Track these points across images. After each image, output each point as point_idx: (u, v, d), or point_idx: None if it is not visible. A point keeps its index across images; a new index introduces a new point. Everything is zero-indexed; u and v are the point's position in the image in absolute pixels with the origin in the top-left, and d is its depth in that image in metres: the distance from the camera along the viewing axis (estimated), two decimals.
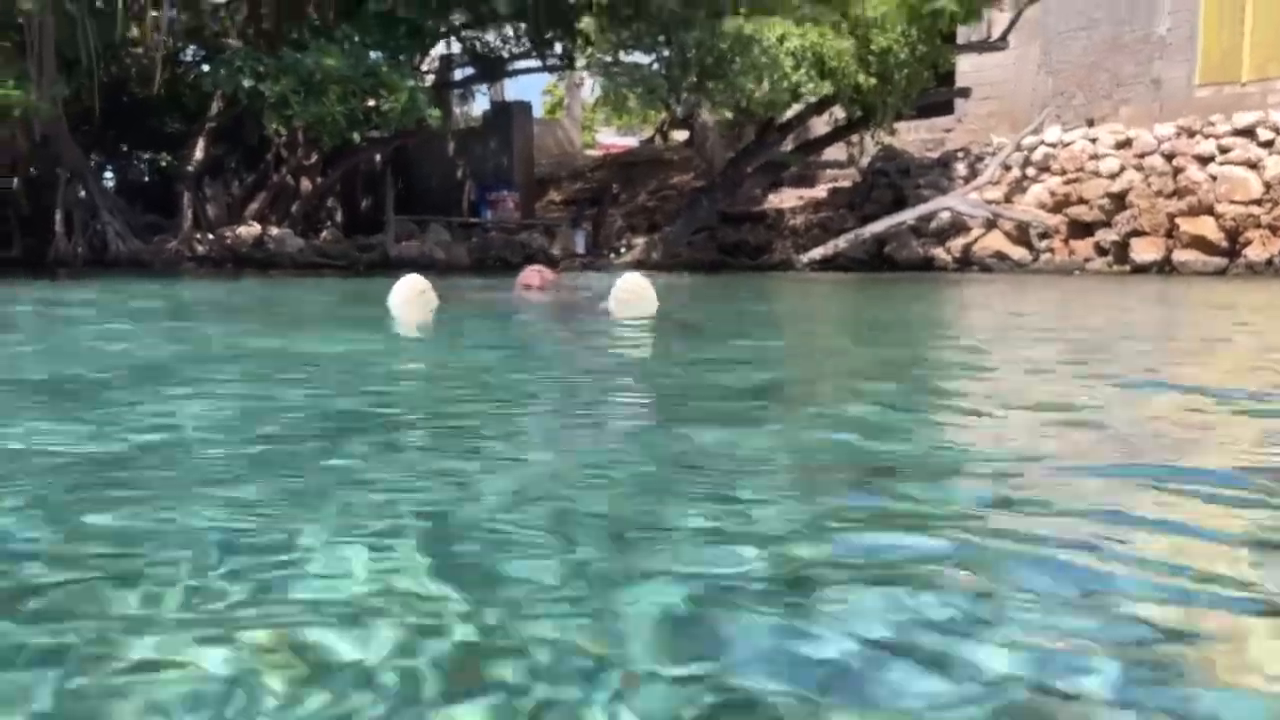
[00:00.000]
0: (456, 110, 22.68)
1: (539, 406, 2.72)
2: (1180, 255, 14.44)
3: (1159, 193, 15.05)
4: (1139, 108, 18.02)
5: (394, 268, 16.15)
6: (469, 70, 21.62)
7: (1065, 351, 4.36)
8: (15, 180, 14.81)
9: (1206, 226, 14.40)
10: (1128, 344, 5.07)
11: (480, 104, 25.82)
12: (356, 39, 14.41)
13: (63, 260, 14.83)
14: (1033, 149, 16.93)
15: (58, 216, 14.91)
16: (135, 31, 14.50)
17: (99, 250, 15.12)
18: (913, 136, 20.55)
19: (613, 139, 36.34)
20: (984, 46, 18.37)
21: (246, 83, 12.57)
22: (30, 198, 15.72)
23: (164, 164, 19.45)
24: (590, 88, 28.67)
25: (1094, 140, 16.38)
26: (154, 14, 13.65)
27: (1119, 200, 15.47)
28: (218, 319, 5.45)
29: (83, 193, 15.20)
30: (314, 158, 17.29)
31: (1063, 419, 2.57)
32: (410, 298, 4.80)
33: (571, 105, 33.92)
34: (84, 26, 11.89)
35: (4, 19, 10.96)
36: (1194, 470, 1.93)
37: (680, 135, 26.74)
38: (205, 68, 13.87)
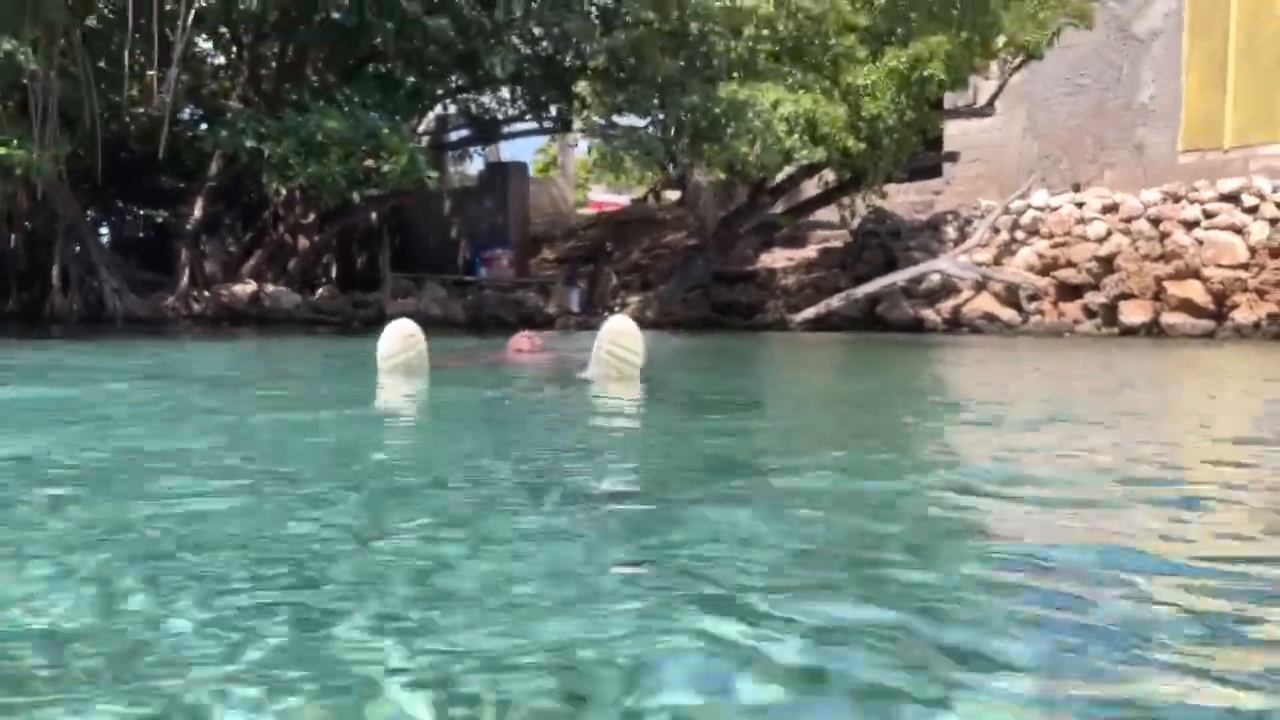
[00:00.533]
0: (451, 169, 22.92)
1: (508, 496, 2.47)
2: (1168, 318, 14.63)
3: (1146, 256, 15.30)
4: (1123, 172, 18.37)
5: None
6: (464, 130, 21.93)
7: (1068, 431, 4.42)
8: (13, 236, 14.89)
9: (1194, 290, 14.62)
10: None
11: (475, 162, 26.14)
12: (356, 101, 14.63)
13: (59, 316, 14.86)
14: (1021, 213, 17.22)
15: (54, 272, 14.97)
16: (137, 92, 14.69)
17: (95, 307, 15.16)
18: (902, 199, 20.87)
19: (605, 196, 36.79)
20: (971, 112, 18.75)
21: (249, 144, 12.74)
22: (27, 253, 15.80)
23: (161, 221, 19.58)
24: (584, 147, 29.13)
25: (1081, 205, 16.68)
26: (154, 74, 13.84)
27: (1107, 263, 15.72)
28: (209, 391, 5.42)
29: (79, 249, 15.28)
30: (311, 216, 17.45)
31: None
32: (398, 348, 4.74)
33: (565, 164, 34.33)
34: (88, 87, 12.07)
35: (8, 78, 11.11)
36: None
37: (672, 194, 27.08)
38: (206, 128, 14.00)
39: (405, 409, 4.45)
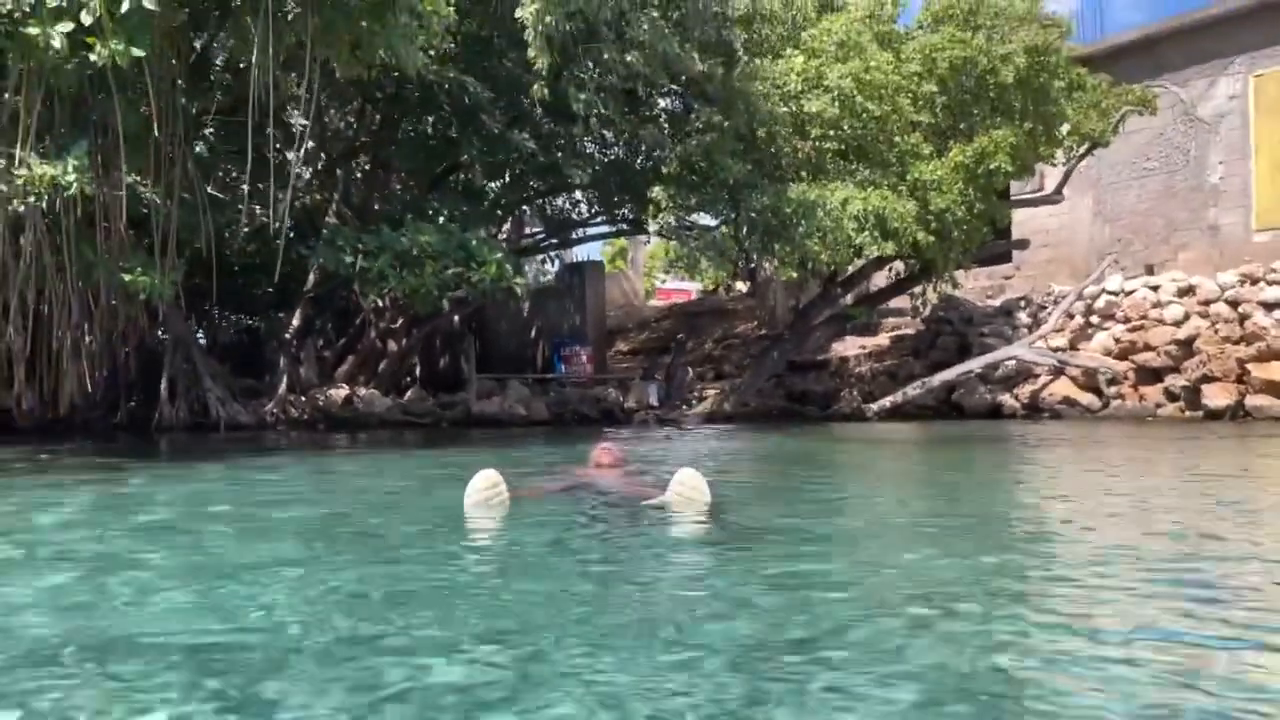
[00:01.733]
0: (528, 269, 23.72)
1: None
2: (1253, 400, 14.52)
3: (1226, 339, 15.27)
4: (1197, 253, 18.40)
5: (477, 424, 16.77)
6: (539, 230, 22.78)
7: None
8: (127, 352, 15.80)
9: (1277, 371, 14.52)
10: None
11: (549, 261, 26.97)
12: (445, 213, 15.42)
13: (167, 425, 15.67)
14: (1095, 297, 17.30)
15: (163, 384, 15.83)
16: (240, 211, 15.63)
17: (200, 414, 15.95)
18: (973, 284, 21.07)
19: (672, 285, 37.51)
20: (1039, 200, 19.02)
21: (348, 259, 13.50)
22: (137, 366, 16.73)
23: (259, 329, 20.53)
24: (652, 240, 29.87)
25: (1156, 289, 16.74)
26: (245, 188, 14.81)
27: (1186, 346, 15.70)
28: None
29: (185, 361, 16.15)
30: (399, 321, 18.23)
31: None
32: (482, 498, 5.22)
33: (635, 257, 35.19)
34: (203, 212, 12.95)
35: (131, 210, 12.00)
36: None
37: (741, 285, 27.58)
38: (311, 246, 14.84)
39: (486, 542, 4.77)
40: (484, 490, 5.17)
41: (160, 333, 16.79)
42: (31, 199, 9.78)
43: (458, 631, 2.76)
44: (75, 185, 9.67)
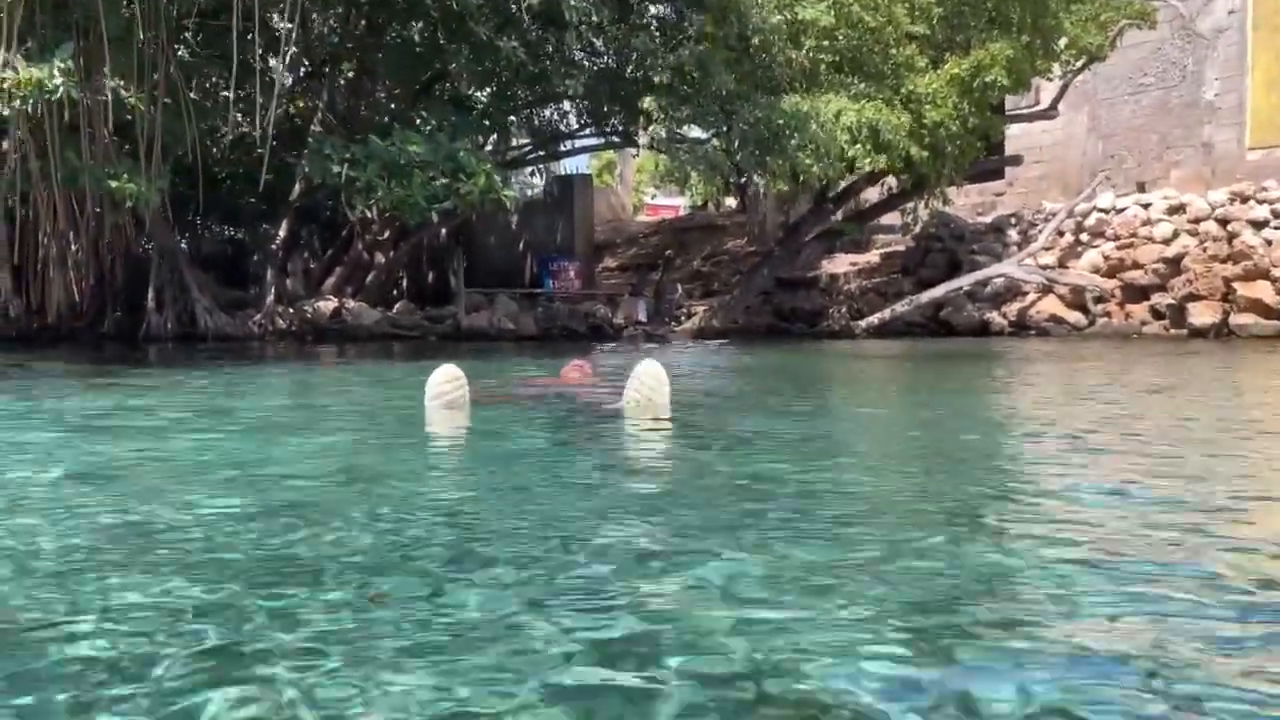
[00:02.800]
0: (515, 182, 23.45)
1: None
2: (1238, 319, 14.64)
3: (1214, 257, 15.32)
4: (1189, 171, 18.34)
5: (465, 338, 16.77)
6: (525, 143, 22.43)
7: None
8: (113, 261, 15.64)
9: (1263, 290, 14.63)
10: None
11: (537, 174, 26.64)
12: (433, 123, 15.18)
13: (154, 336, 15.60)
14: (1086, 215, 17.29)
15: (150, 294, 15.72)
16: (221, 121, 15.34)
17: (187, 325, 15.89)
18: (964, 201, 20.98)
19: (660, 201, 37.15)
20: (1034, 115, 18.84)
21: (335, 169, 13.31)
22: (124, 276, 16.58)
23: (243, 240, 20.34)
24: (641, 154, 29.50)
25: (1147, 206, 16.73)
26: (229, 96, 14.50)
27: (1174, 265, 15.77)
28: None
29: (172, 271, 16.02)
30: (387, 233, 18.07)
31: None
32: (442, 392, 5.26)
33: (623, 171, 34.76)
34: (187, 118, 12.72)
35: (116, 115, 11.78)
36: None
37: (731, 200, 27.39)
38: (298, 156, 14.61)
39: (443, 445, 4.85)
40: (444, 384, 5.17)
41: (145, 243, 16.61)
42: (17, 102, 9.58)
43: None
44: (62, 89, 9.47)
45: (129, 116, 12.25)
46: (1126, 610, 1.97)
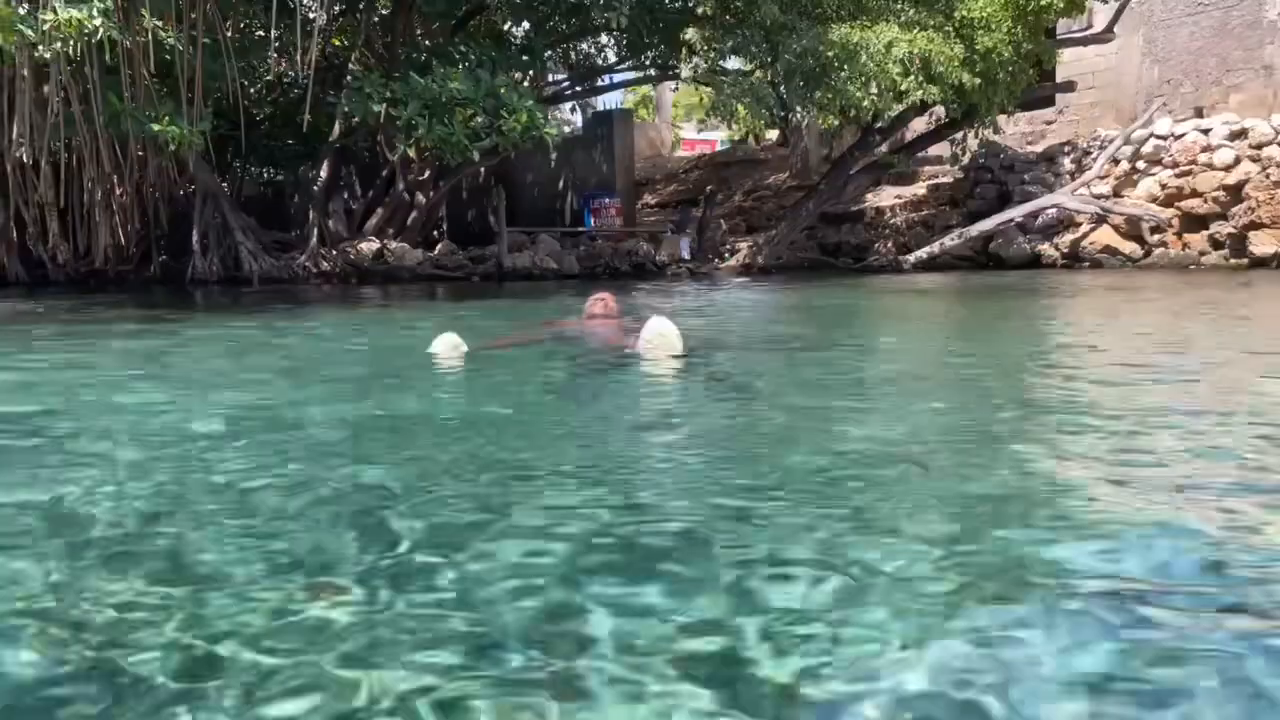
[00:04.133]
0: (554, 118, 23.12)
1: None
2: None
3: (1277, 184, 14.81)
4: (1250, 94, 17.67)
5: (507, 278, 16.67)
6: (562, 78, 22.05)
7: None
8: (158, 204, 15.65)
9: None
10: None
11: (575, 110, 26.30)
12: (472, 58, 14.92)
13: (200, 279, 15.66)
14: (1142, 142, 16.75)
15: (195, 237, 15.73)
16: (256, 62, 15.17)
17: (232, 268, 15.92)
18: (1013, 130, 20.43)
19: (697, 135, 36.58)
20: (1088, 40, 18.19)
21: (375, 108, 13.15)
22: (169, 220, 16.61)
23: (282, 182, 20.26)
24: (678, 88, 28.99)
25: (1206, 131, 16.16)
26: (269, 36, 14.31)
27: (1234, 192, 15.27)
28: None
29: (216, 214, 16.00)
30: (427, 173, 17.89)
31: None
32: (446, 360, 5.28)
33: (662, 104, 34.21)
34: (227, 58, 12.58)
35: (157, 56, 11.66)
36: None
37: (772, 134, 26.87)
38: (337, 95, 14.43)
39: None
40: (448, 352, 5.23)
41: (188, 186, 16.59)
42: (57, 44, 9.49)
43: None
44: (101, 30, 9.35)
45: (168, 58, 12.13)
46: None
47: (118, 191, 13.83)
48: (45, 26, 9.57)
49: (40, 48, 9.75)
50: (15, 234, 14.49)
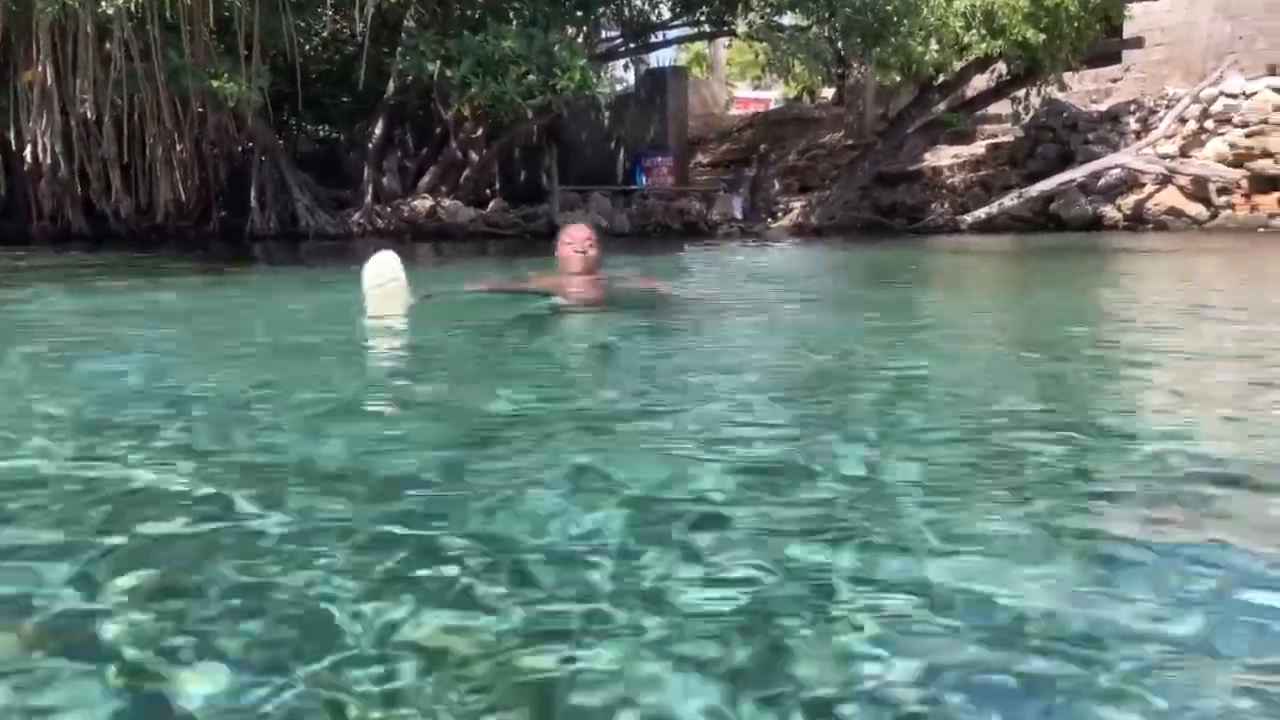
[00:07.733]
0: (606, 76, 22.95)
1: None
2: None
3: None
4: None
5: None
6: (613, 34, 21.83)
7: None
8: (216, 160, 15.84)
9: None
10: None
11: (628, 68, 26.01)
12: (526, 15, 14.85)
13: (258, 234, 15.88)
14: (1211, 100, 16.25)
15: (253, 194, 15.94)
16: (309, 21, 15.21)
17: (289, 224, 16.12)
18: (1077, 88, 19.89)
19: (751, 94, 36.12)
20: None
21: (430, 66, 13.16)
22: (228, 176, 16.82)
23: (337, 139, 20.42)
24: (730, 45, 28.56)
25: (1279, 90, 15.63)
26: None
27: None
28: None
29: (274, 170, 16.18)
30: (479, 131, 17.92)
31: None
32: (378, 283, 5.02)
33: (715, 62, 33.76)
34: (284, 16, 12.65)
35: (216, 13, 11.78)
36: None
37: (827, 92, 26.48)
38: (393, 52, 14.46)
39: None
40: (388, 274, 4.91)
41: (246, 142, 16.77)
42: (120, 1, 9.61)
43: None
44: None
45: (227, 14, 12.23)
46: None
47: (178, 148, 14.03)
48: None
49: (103, 4, 9.88)
50: (79, 188, 14.77)
